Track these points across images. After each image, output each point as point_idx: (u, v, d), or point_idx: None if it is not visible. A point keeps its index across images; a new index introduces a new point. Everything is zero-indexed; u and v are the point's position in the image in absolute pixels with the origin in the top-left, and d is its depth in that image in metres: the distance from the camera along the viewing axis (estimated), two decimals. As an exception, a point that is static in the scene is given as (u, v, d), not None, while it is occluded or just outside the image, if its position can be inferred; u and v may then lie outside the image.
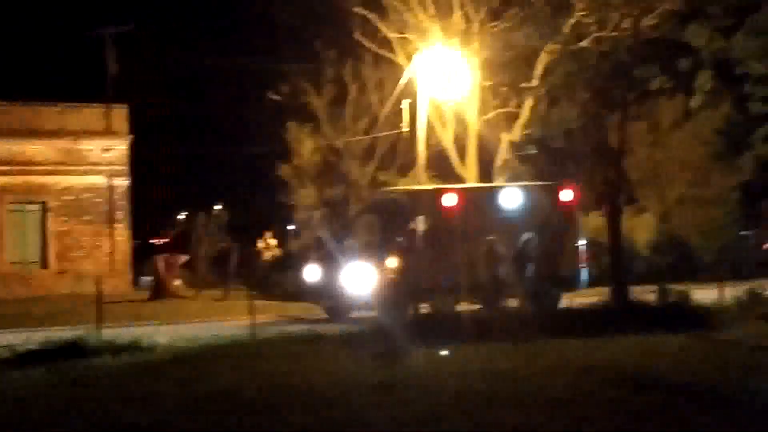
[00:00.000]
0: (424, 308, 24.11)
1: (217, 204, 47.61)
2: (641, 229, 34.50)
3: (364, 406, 12.73)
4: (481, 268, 23.39)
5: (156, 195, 50.56)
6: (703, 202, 35.20)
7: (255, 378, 14.84)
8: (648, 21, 27.15)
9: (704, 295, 24.13)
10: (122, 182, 38.89)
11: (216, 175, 50.86)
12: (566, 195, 25.77)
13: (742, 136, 31.86)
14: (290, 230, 44.96)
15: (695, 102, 28.20)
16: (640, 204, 35.61)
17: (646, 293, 23.66)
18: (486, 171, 33.07)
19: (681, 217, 35.66)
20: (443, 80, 33.14)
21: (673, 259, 33.33)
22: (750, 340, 18.51)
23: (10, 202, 37.81)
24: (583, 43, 27.64)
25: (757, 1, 26.09)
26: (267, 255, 35.39)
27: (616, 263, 24.45)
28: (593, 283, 25.93)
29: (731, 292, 23.81)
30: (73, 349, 17.73)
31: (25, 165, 37.59)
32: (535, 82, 30.86)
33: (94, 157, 38.57)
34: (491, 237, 23.42)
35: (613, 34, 26.92)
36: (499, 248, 23.28)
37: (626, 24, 26.44)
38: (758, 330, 19.80)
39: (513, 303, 23.54)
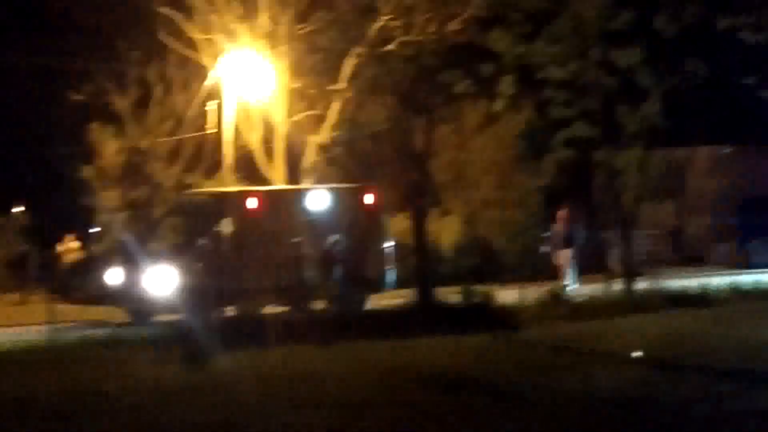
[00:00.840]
0: (230, 311, 23.90)
1: (16, 206, 46.26)
2: (446, 231, 34.95)
3: (165, 410, 12.49)
4: (287, 270, 23.32)
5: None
6: (507, 205, 35.86)
7: (51, 384, 14.42)
8: (452, 26, 27.50)
9: (507, 295, 24.60)
10: None
11: (16, 176, 49.46)
12: (372, 197, 25.93)
13: (543, 140, 32.60)
14: (93, 233, 44.00)
15: (498, 106, 28.61)
16: (446, 206, 36.06)
17: (451, 294, 23.97)
18: (294, 173, 32.97)
19: (485, 220, 36.25)
20: (250, 82, 32.94)
21: (477, 260, 33.84)
22: (550, 339, 18.92)
23: None
24: (389, 47, 27.82)
25: (554, 8, 26.69)
26: (68, 258, 34.53)
27: (421, 265, 24.69)
28: (399, 284, 26.15)
29: (533, 293, 24.32)
30: None
31: None
32: (342, 85, 30.91)
33: None
34: (298, 239, 23.35)
35: (419, 38, 27.17)
36: (306, 250, 23.22)
37: (431, 29, 26.72)
38: (558, 330, 20.26)
39: (320, 305, 23.53)
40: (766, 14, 28.70)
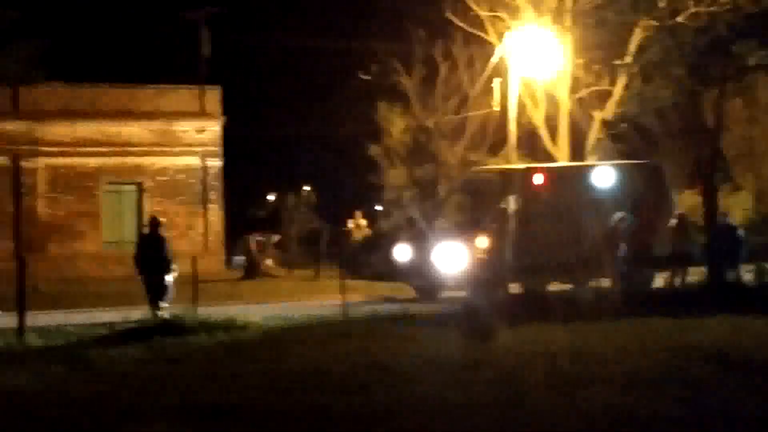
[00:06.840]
0: (515, 288, 24.00)
1: (306, 185, 47.81)
2: (737, 207, 33.88)
3: (450, 384, 12.65)
4: (572, 248, 23.26)
5: (247, 176, 50.78)
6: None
7: (344, 357, 14.84)
8: (747, -6, 26.62)
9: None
10: (215, 163, 39.07)
11: (305, 155, 51.02)
12: (657, 173, 25.50)
13: None
14: (378, 210, 44.96)
15: (795, 78, 27.66)
16: (736, 182, 34.99)
17: (745, 273, 23.34)
18: (578, 150, 32.73)
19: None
20: (535, 59, 32.79)
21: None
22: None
23: (107, 183, 38.29)
24: (679, 19, 27.19)
25: None
26: (357, 235, 35.41)
27: (713, 243, 24.08)
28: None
29: None
30: (170, 328, 17.94)
31: (122, 146, 38.02)
32: (628, 59, 30.38)
33: (188, 139, 38.83)
34: (583, 216, 23.26)
35: (711, 8, 26.42)
36: (591, 228, 23.10)
37: (723, -2, 25.94)
38: None
39: (605, 283, 23.35)
40: None
